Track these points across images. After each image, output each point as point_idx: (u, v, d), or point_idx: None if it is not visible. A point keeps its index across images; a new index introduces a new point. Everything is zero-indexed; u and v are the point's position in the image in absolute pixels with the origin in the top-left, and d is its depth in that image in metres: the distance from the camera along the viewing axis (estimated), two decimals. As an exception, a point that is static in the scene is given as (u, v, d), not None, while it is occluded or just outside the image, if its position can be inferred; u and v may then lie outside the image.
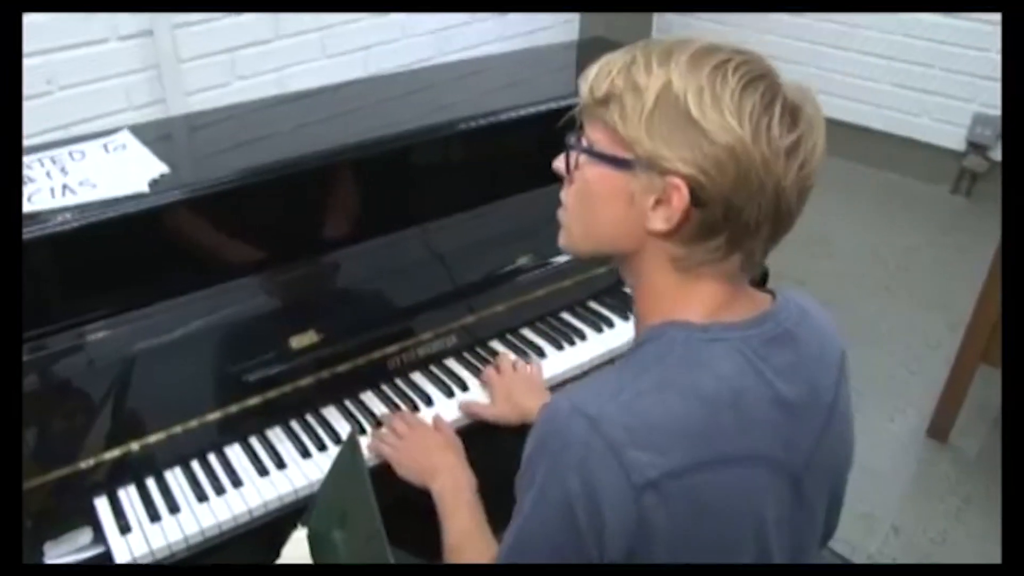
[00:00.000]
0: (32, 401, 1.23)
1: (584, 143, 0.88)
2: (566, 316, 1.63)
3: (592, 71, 0.87)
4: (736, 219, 0.81)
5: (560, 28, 4.35)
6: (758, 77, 0.80)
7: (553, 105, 1.67)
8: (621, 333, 1.59)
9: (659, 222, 0.83)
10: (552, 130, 1.61)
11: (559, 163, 0.92)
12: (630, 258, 0.89)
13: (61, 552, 1.18)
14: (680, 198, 0.80)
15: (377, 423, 1.38)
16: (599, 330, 1.60)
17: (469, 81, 1.97)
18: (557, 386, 1.47)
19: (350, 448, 1.14)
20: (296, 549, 1.12)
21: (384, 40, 3.66)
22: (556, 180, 1.60)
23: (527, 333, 1.59)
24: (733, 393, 0.83)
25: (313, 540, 1.13)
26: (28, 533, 1.19)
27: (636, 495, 0.78)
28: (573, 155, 0.90)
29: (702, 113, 0.78)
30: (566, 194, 0.93)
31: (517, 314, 1.58)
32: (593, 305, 1.66)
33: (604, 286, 1.68)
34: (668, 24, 4.37)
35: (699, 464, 0.80)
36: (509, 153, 1.63)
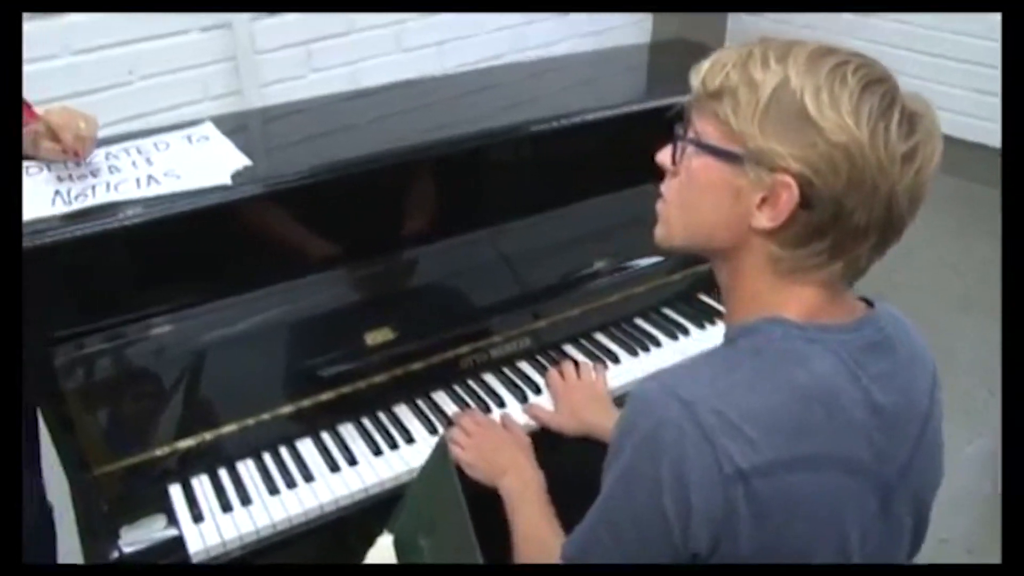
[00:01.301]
0: (110, 387, 1.25)
1: (692, 135, 0.87)
2: (640, 322, 1.60)
3: (705, 64, 0.85)
4: (845, 223, 0.79)
5: (632, 28, 4.31)
6: (877, 80, 0.79)
7: (630, 108, 1.65)
8: (697, 341, 1.56)
9: (764, 220, 0.81)
10: (627, 133, 1.61)
11: (664, 155, 0.91)
12: (728, 254, 0.88)
13: (136, 537, 1.20)
14: (790, 196, 0.79)
15: (448, 423, 1.37)
16: (674, 337, 1.57)
17: (545, 80, 1.95)
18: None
19: (440, 455, 1.14)
20: (381, 554, 1.12)
21: (457, 36, 3.67)
22: (632, 185, 1.59)
23: (601, 338, 1.56)
24: (828, 393, 0.81)
25: (399, 546, 1.12)
26: (104, 516, 1.21)
27: (725, 484, 0.77)
28: (680, 146, 0.88)
29: (819, 111, 0.77)
30: (668, 187, 0.92)
31: (590, 318, 1.56)
32: (667, 312, 1.63)
33: (679, 292, 1.65)
34: (742, 26, 4.29)
35: (789, 461, 0.79)
36: (586, 155, 1.60)
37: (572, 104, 1.65)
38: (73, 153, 1.27)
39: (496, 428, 1.34)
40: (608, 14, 4.09)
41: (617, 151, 1.60)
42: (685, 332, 1.58)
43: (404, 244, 1.46)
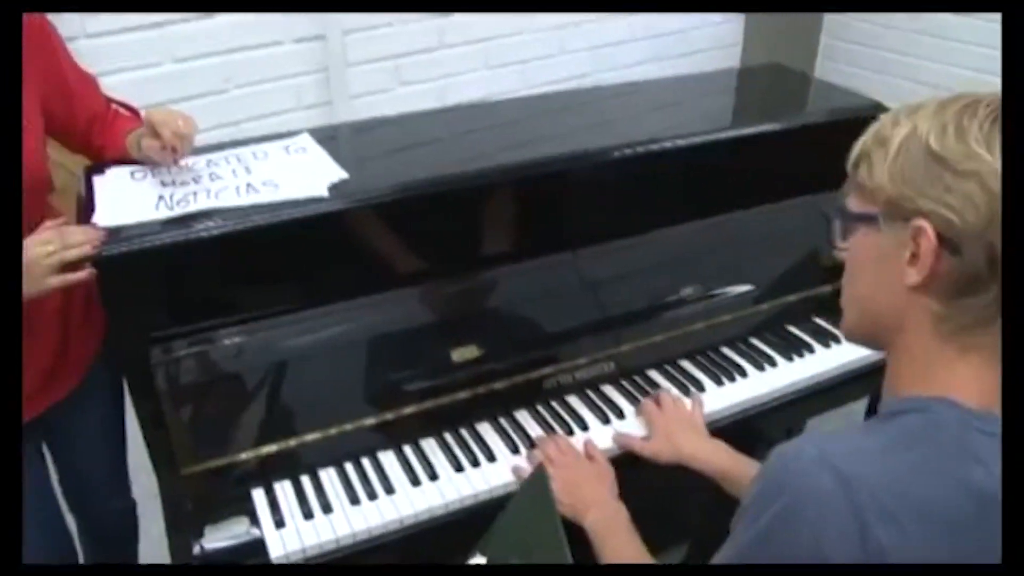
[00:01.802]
0: (201, 389, 1.28)
1: (838, 211, 0.85)
2: (727, 351, 1.57)
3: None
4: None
5: (722, 52, 4.26)
6: None
7: (718, 135, 1.63)
8: (784, 373, 1.52)
9: (914, 274, 0.77)
10: (714, 161, 1.59)
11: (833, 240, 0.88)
12: (895, 327, 0.82)
13: (219, 537, 1.22)
14: (927, 240, 0.74)
15: (531, 443, 1.36)
16: (760, 368, 1.53)
17: (632, 103, 1.94)
18: (717, 424, 1.42)
19: (539, 480, 1.13)
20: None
21: (542, 55, 3.68)
22: (719, 212, 1.57)
23: (686, 365, 1.54)
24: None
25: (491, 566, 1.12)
26: (188, 515, 1.23)
27: (866, 559, 0.72)
28: (835, 226, 0.86)
29: (943, 145, 0.74)
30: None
31: (676, 345, 1.54)
32: (755, 342, 1.60)
33: (767, 323, 1.62)
34: (832, 52, 4.21)
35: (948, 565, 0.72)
36: (674, 181, 1.59)
37: (660, 128, 1.64)
38: (171, 149, 1.30)
39: (579, 459, 1.32)
40: (696, 37, 4.06)
41: (704, 178, 1.59)
42: (772, 363, 1.54)
43: (493, 263, 1.46)
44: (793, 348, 1.58)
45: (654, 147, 1.55)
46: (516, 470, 1.31)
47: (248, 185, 1.31)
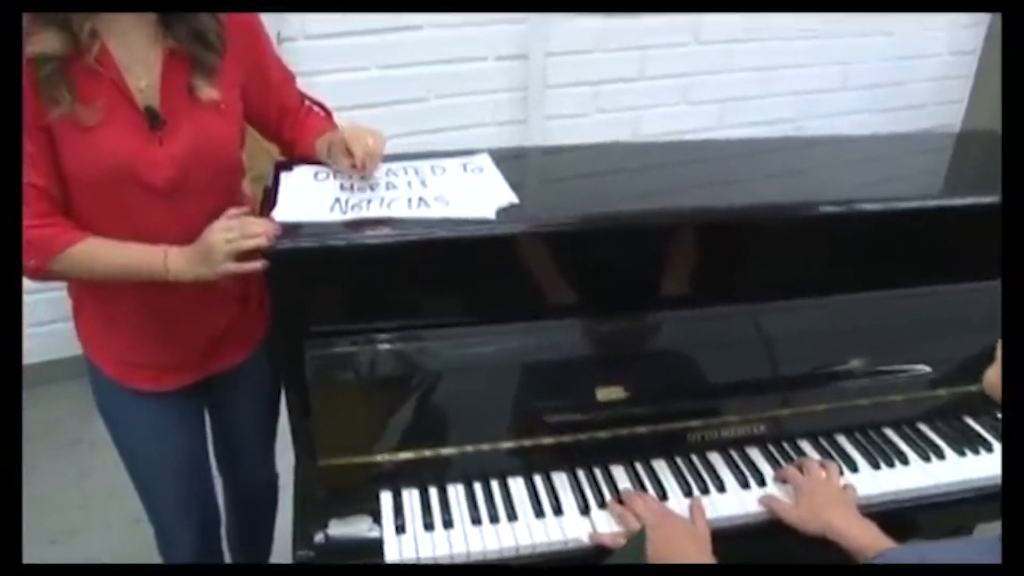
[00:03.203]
0: (349, 388, 1.32)
1: None
2: (890, 433, 1.46)
3: None
4: None
5: (942, 109, 4.00)
6: None
7: (921, 203, 1.52)
8: (953, 468, 1.40)
9: None
10: (912, 229, 1.48)
11: None
12: None
13: (341, 531, 1.25)
14: None
15: (663, 495, 1.32)
16: (926, 458, 1.41)
17: (832, 157, 1.84)
18: (867, 510, 1.32)
19: (640, 543, 1.10)
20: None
21: (743, 95, 3.60)
22: (907, 285, 1.46)
23: (842, 441, 1.44)
24: None
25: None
26: (319, 502, 1.28)
27: None
28: None
29: None
30: None
31: (836, 418, 1.45)
32: (924, 428, 1.47)
33: (940, 409, 1.49)
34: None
35: None
36: (863, 246, 1.49)
37: (858, 188, 1.55)
38: (361, 166, 1.36)
39: (672, 517, 1.26)
40: (916, 91, 3.84)
41: (897, 246, 1.49)
42: (940, 455, 1.42)
43: (655, 306, 1.42)
44: (968, 442, 1.44)
45: (849, 208, 1.47)
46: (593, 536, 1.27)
47: (420, 199, 1.34)
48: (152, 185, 1.28)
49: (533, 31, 3.03)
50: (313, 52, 2.76)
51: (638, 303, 1.42)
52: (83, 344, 1.48)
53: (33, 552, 2.09)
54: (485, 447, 1.33)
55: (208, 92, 1.30)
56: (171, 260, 1.27)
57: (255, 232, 1.23)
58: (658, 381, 1.40)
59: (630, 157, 1.81)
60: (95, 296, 1.42)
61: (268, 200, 1.35)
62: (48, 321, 2.80)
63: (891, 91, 3.80)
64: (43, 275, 1.30)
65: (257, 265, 1.24)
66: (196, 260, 1.26)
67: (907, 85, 3.83)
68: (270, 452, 1.74)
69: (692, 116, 3.48)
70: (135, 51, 1.26)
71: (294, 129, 1.50)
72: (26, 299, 2.77)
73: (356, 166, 1.36)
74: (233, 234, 1.22)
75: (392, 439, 1.32)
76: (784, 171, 1.73)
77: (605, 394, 1.35)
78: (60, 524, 2.38)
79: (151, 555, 1.70)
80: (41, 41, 1.17)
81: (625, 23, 3.16)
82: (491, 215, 1.30)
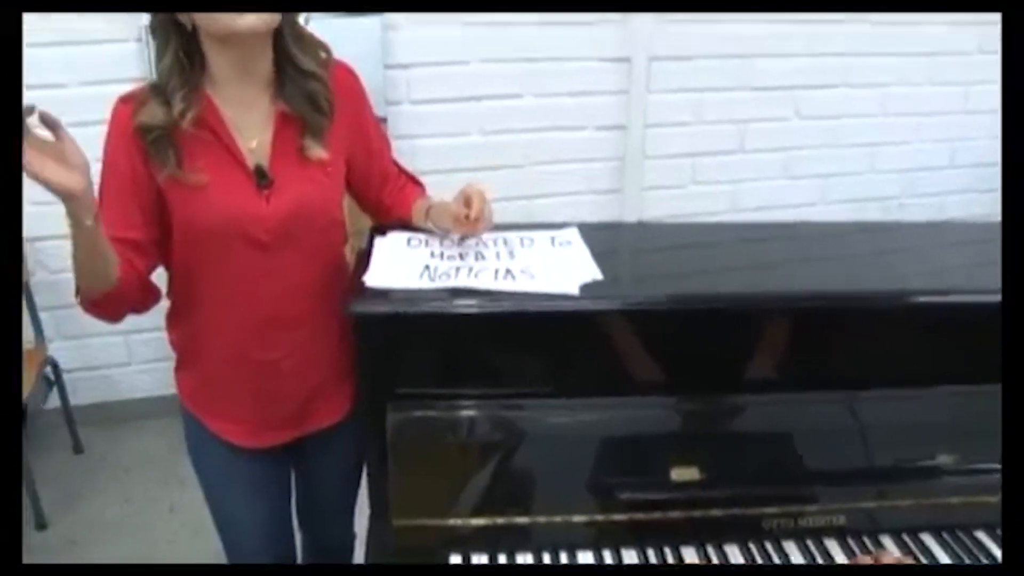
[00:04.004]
0: (426, 452, 1.35)
1: None
2: (982, 536, 1.39)
3: None
4: None
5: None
6: None
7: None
8: (1048, 579, 1.32)
9: None
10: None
11: None
12: None
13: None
14: None
15: (732, 583, 1.29)
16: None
17: (935, 242, 1.80)
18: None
19: None
20: None
21: (845, 171, 3.55)
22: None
23: (929, 541, 1.38)
24: None
25: None
26: (389, 564, 1.30)
27: None
28: None
29: None
30: None
31: (922, 515, 1.39)
32: (1020, 533, 1.40)
33: (1039, 514, 1.42)
34: None
35: None
36: (965, 337, 1.44)
37: (959, 277, 1.51)
38: (473, 221, 1.40)
39: None
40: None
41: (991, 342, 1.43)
42: (1035, 563, 1.35)
43: (736, 388, 1.41)
44: (1066, 551, 1.37)
45: (950, 297, 1.44)
46: None
47: (507, 270, 1.37)
48: (256, 239, 1.35)
49: (632, 102, 3.07)
50: (417, 116, 2.87)
51: (720, 384, 1.40)
52: (181, 395, 1.54)
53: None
54: (557, 519, 1.33)
55: (317, 152, 1.37)
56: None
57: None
58: (736, 464, 1.38)
59: (721, 234, 1.81)
60: (196, 352, 1.49)
61: (362, 263, 1.40)
62: (153, 359, 2.94)
63: (999, 171, 3.69)
64: (89, 305, 1.34)
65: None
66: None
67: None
68: (350, 512, 1.78)
69: (792, 191, 3.45)
70: (248, 113, 1.35)
71: (393, 194, 1.57)
72: (134, 338, 2.94)
73: (468, 217, 1.40)
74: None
75: (466, 504, 1.33)
76: (883, 254, 1.70)
77: (680, 474, 1.34)
78: (149, 555, 2.48)
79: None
80: (148, 112, 1.27)
81: (725, 96, 3.18)
82: (574, 291, 1.32)
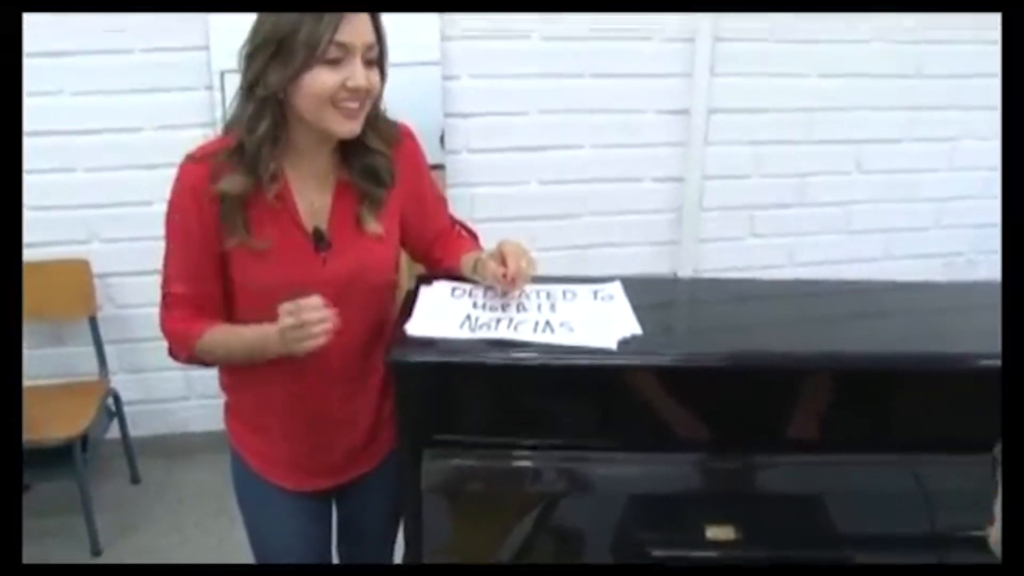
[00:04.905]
0: (458, 496, 1.36)
1: None
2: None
3: None
4: None
5: None
6: None
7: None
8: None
9: None
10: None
11: None
12: None
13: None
14: None
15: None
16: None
17: (991, 301, 1.75)
18: None
19: None
20: None
21: (909, 227, 3.48)
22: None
23: (974, 613, 1.34)
24: None
25: None
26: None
27: None
28: None
29: None
30: None
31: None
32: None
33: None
34: None
35: None
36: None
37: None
38: (510, 281, 1.42)
39: None
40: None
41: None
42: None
43: (778, 449, 1.39)
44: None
45: (978, 364, 1.39)
46: None
47: (547, 323, 1.38)
48: None
49: (690, 154, 3.08)
50: (475, 165, 2.91)
51: (759, 444, 1.39)
52: (231, 437, 1.58)
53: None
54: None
55: (374, 227, 1.42)
56: (271, 339, 1.33)
57: (311, 319, 1.26)
58: (774, 525, 1.36)
59: (770, 296, 1.79)
60: (248, 401, 1.54)
61: (405, 311, 1.43)
62: (210, 395, 3.02)
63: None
64: (195, 360, 1.44)
65: (320, 341, 1.29)
66: (282, 341, 1.31)
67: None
68: (389, 551, 1.79)
69: (852, 245, 3.39)
70: (310, 178, 1.40)
71: (444, 248, 1.59)
72: (193, 374, 3.02)
73: (506, 276, 1.42)
74: (290, 320, 1.27)
75: (499, 552, 1.34)
76: (937, 314, 1.67)
77: (715, 533, 1.32)
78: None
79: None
80: (230, 181, 1.32)
81: (783, 150, 3.17)
82: (612, 346, 1.33)
